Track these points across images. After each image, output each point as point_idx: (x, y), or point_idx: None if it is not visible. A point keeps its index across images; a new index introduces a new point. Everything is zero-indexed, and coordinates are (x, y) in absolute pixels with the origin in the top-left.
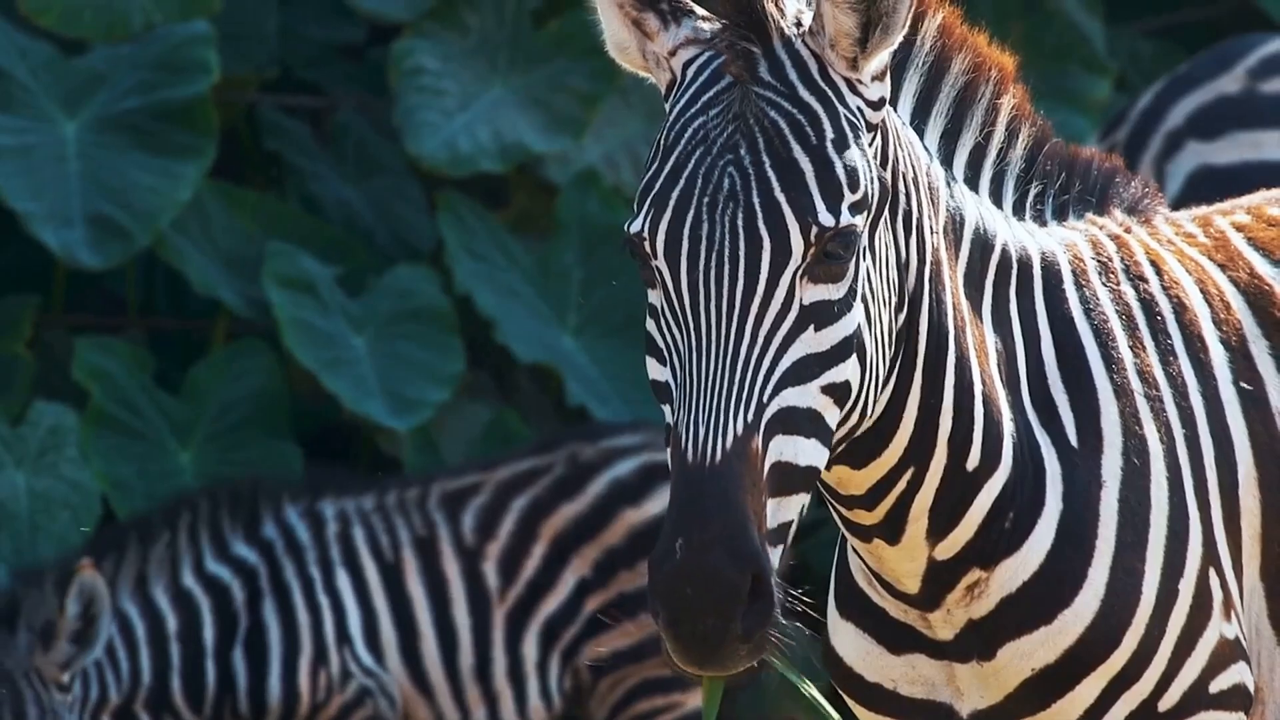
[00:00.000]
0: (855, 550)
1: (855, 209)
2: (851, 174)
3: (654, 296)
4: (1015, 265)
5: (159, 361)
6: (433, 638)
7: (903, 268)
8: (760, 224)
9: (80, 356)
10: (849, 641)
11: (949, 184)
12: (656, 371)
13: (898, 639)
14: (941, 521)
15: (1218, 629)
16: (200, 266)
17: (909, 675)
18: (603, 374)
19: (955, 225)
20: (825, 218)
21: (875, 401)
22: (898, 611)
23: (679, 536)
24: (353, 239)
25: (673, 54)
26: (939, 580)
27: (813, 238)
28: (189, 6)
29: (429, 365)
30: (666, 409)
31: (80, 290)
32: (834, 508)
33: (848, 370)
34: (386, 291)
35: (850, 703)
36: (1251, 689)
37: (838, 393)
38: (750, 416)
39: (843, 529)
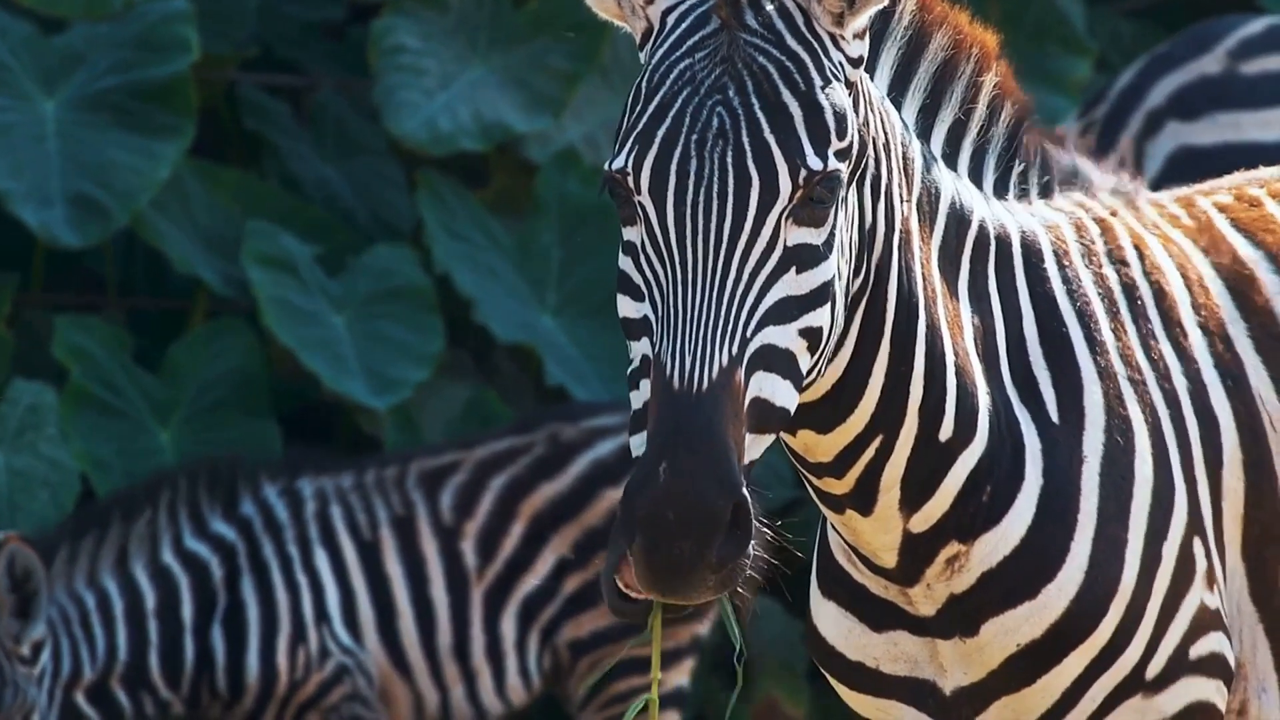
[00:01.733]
0: (834, 526)
1: (840, 155)
2: (840, 120)
3: (632, 234)
4: (993, 242)
5: (138, 340)
6: (411, 616)
7: (868, 232)
8: (750, 162)
9: (60, 335)
10: (831, 620)
11: (925, 158)
12: (629, 309)
13: (880, 616)
14: (914, 493)
15: (1199, 595)
16: (180, 245)
17: (891, 653)
18: (582, 354)
19: (930, 198)
20: (813, 160)
21: (828, 360)
22: (878, 588)
23: (663, 460)
24: (333, 218)
25: (650, 2)
26: (916, 554)
27: (800, 180)
28: None
29: (408, 344)
30: (640, 343)
31: (59, 269)
32: (806, 479)
33: (823, 316)
34: (366, 271)
35: (833, 682)
36: (1231, 661)
37: (812, 337)
38: (735, 350)
39: (817, 502)
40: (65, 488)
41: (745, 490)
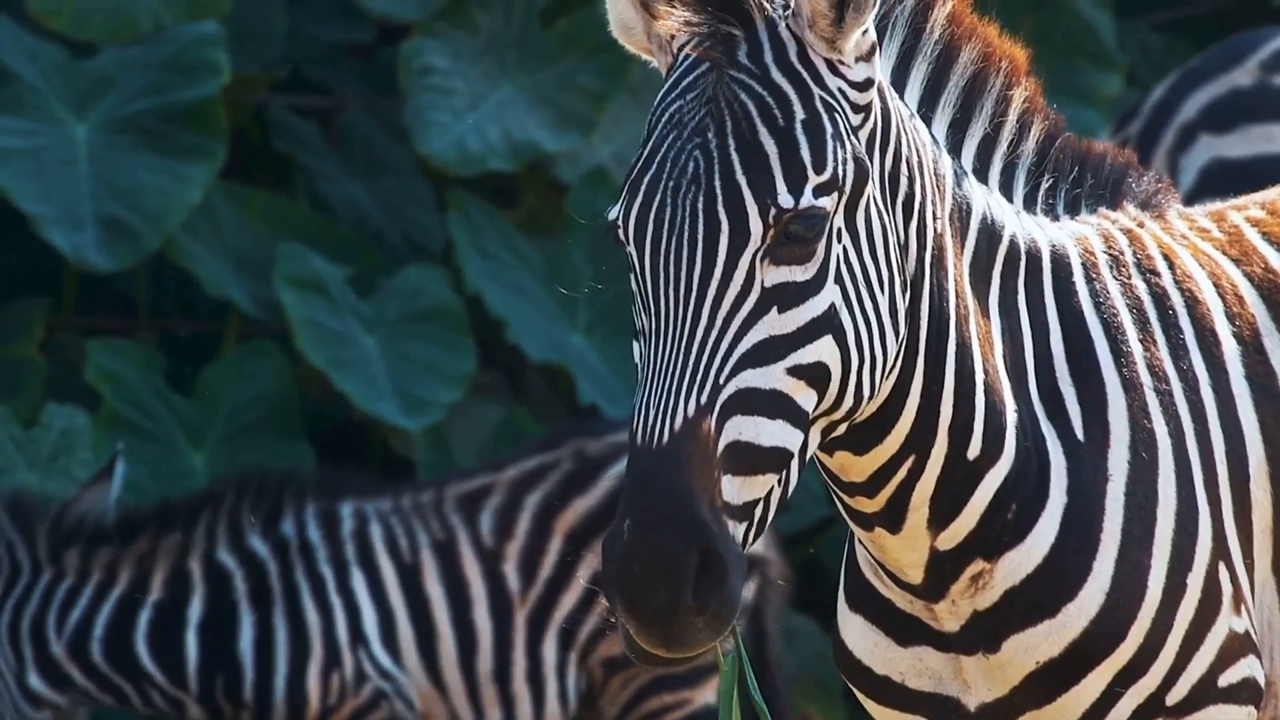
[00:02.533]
0: (861, 541)
1: (821, 190)
2: (818, 155)
3: (632, 282)
4: (1024, 257)
5: (170, 363)
6: (452, 640)
7: (902, 250)
8: (719, 207)
9: (92, 358)
10: (857, 634)
11: (956, 173)
12: (637, 355)
13: (905, 631)
14: (943, 511)
15: (1227, 623)
16: (211, 267)
17: (916, 668)
18: (613, 372)
19: (962, 214)
20: (785, 199)
21: (877, 384)
22: (904, 603)
23: (626, 518)
24: (363, 239)
25: (673, 38)
26: (942, 571)
27: (771, 219)
28: (198, 7)
29: (440, 365)
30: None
31: (91, 292)
32: (836, 495)
33: (820, 352)
34: (397, 291)
35: (859, 695)
36: (1262, 683)
37: (808, 374)
38: (704, 399)
39: (845, 518)
40: None
41: (714, 533)
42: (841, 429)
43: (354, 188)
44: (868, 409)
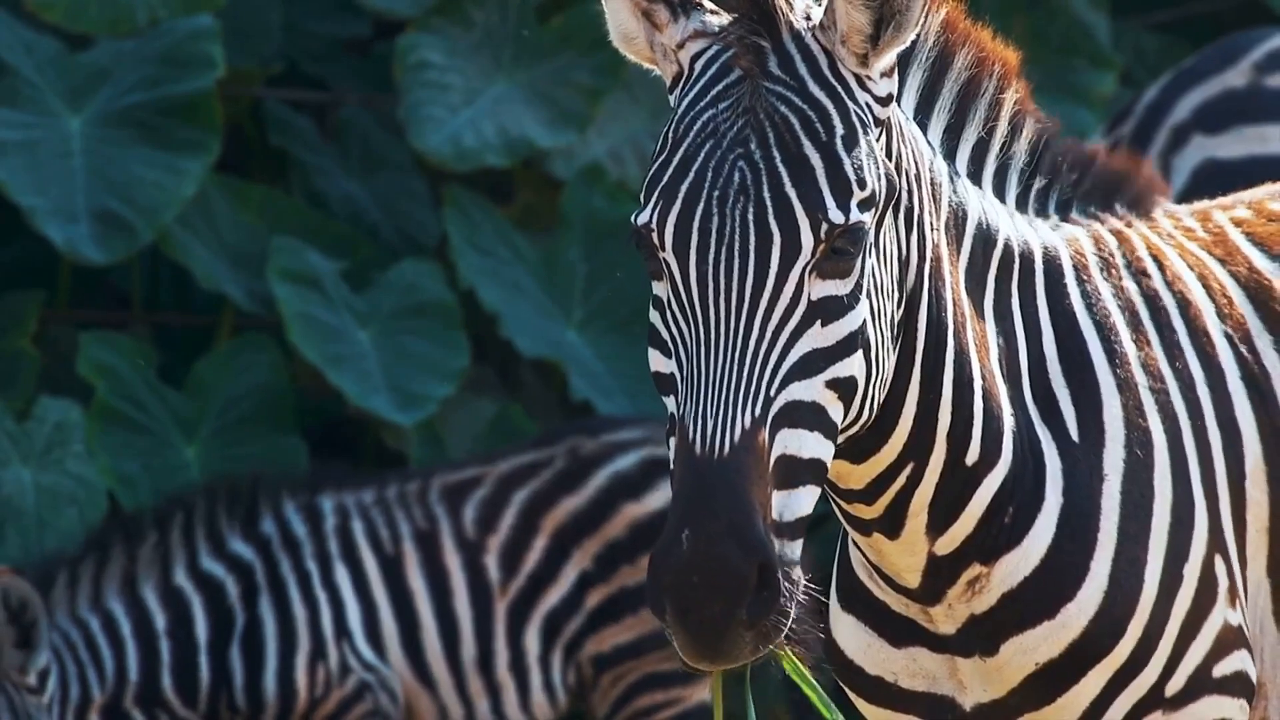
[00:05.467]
0: (856, 544)
1: (863, 206)
2: (860, 171)
3: (660, 289)
4: (1017, 260)
5: (164, 356)
6: (435, 631)
7: (903, 264)
8: (771, 219)
9: (85, 352)
10: (850, 634)
11: (952, 179)
12: (660, 364)
13: (899, 632)
14: (941, 516)
15: (1222, 614)
16: (205, 261)
17: (910, 668)
18: (607, 369)
19: (958, 220)
20: (835, 214)
21: (879, 398)
22: (899, 605)
23: (685, 527)
24: (358, 234)
25: (681, 46)
26: (939, 575)
27: (823, 234)
28: (193, 1)
29: (434, 360)
30: (669, 400)
31: (85, 285)
32: (834, 501)
33: (853, 366)
34: (391, 286)
35: (852, 696)
36: (1254, 678)
37: (842, 388)
38: (758, 410)
39: (843, 522)
40: (92, 505)
41: (771, 550)
42: (841, 440)
43: (349, 182)
44: (865, 420)
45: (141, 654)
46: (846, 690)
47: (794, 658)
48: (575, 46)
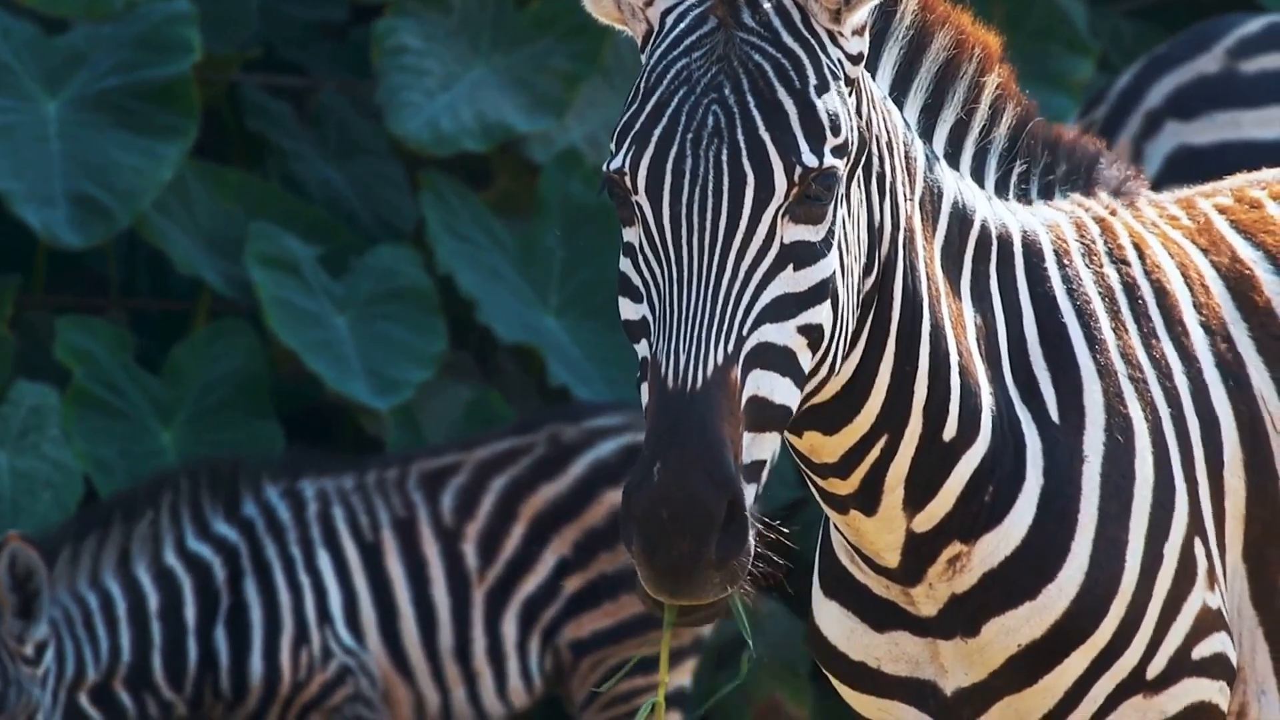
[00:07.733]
0: (836, 526)
1: (837, 152)
2: (834, 118)
3: (631, 234)
4: (995, 242)
5: (141, 341)
6: (412, 617)
7: (876, 230)
8: (745, 160)
9: (62, 336)
10: (833, 620)
11: (928, 157)
12: (630, 310)
13: (881, 616)
14: (918, 492)
15: (1201, 596)
16: (182, 246)
17: (892, 653)
18: (585, 355)
19: (933, 197)
20: (809, 158)
21: (840, 358)
22: (880, 588)
23: (656, 460)
24: (335, 219)
25: (649, 3)
26: (919, 554)
27: (796, 177)
28: None
29: (411, 345)
30: (641, 345)
31: (62, 270)
32: (810, 480)
33: (822, 314)
34: (368, 271)
35: (835, 682)
36: (1234, 661)
37: (812, 335)
38: (730, 348)
39: (821, 503)
40: (68, 489)
41: (741, 487)
42: (809, 408)
43: (326, 167)
44: (831, 386)
45: (135, 635)
46: (829, 676)
47: (744, 597)
48: (553, 32)
